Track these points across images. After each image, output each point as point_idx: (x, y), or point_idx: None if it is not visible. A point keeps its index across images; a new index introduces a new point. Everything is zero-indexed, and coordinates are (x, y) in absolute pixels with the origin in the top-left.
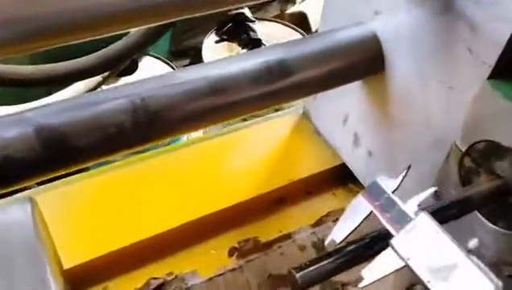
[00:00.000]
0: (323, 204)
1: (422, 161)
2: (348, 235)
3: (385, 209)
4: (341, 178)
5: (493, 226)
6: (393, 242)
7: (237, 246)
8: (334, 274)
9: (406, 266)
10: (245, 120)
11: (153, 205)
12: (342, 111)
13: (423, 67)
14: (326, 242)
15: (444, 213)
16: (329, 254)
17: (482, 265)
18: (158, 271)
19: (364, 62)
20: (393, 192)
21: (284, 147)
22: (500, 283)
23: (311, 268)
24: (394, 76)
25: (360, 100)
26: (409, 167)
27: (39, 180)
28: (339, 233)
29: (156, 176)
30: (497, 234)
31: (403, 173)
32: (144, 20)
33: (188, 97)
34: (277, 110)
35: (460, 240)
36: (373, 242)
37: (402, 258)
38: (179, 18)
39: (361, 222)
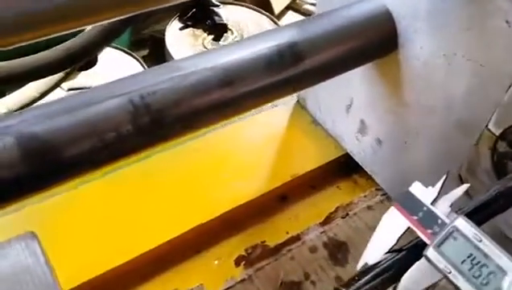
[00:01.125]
0: (329, 199)
1: (441, 148)
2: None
3: (425, 224)
4: (345, 170)
5: None
6: (428, 253)
7: (244, 253)
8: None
9: (446, 279)
10: None
11: (148, 216)
12: (345, 97)
13: (446, 43)
14: (358, 266)
15: (484, 211)
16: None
17: None
18: (161, 288)
19: (378, 41)
20: (432, 204)
21: (281, 141)
22: None
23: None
24: (409, 55)
25: (367, 83)
26: (447, 173)
27: (23, 200)
28: (373, 254)
29: (149, 180)
30: None
31: (442, 181)
32: (119, 10)
33: (196, 91)
34: None
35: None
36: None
37: (440, 271)
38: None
39: (398, 241)
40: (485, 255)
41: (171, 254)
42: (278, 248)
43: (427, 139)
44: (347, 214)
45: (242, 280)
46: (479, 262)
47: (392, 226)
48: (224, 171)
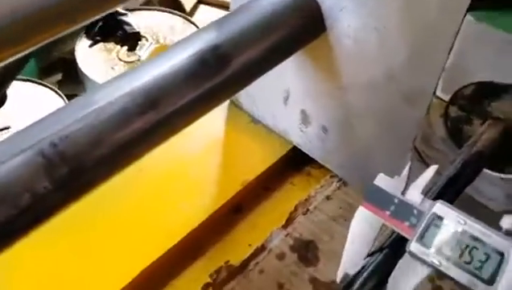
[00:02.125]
0: (285, 198)
1: (391, 123)
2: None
3: (400, 217)
4: (296, 164)
5: (502, 175)
6: (412, 248)
7: (209, 280)
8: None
9: (437, 272)
10: None
11: (98, 260)
12: (281, 90)
13: (374, 17)
14: (338, 277)
15: (454, 186)
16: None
17: None
18: None
19: (304, 26)
20: (402, 194)
21: (223, 148)
22: None
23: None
24: (338, 35)
25: (301, 71)
26: (411, 159)
27: None
28: (352, 263)
29: (95, 216)
30: (508, 182)
31: (407, 167)
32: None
33: (116, 125)
34: None
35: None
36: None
37: (428, 264)
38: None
39: (374, 242)
40: (473, 237)
41: None
42: (243, 265)
43: (374, 117)
44: (307, 210)
45: None
46: (467, 246)
47: (365, 228)
48: (170, 192)
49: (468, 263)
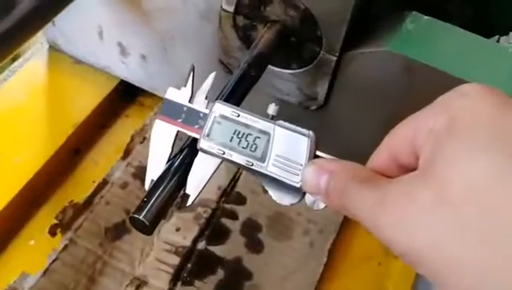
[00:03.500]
0: (122, 132)
1: (196, 41)
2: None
3: (190, 122)
4: (127, 96)
5: (290, 71)
6: (201, 144)
7: (56, 221)
8: (175, 195)
9: (224, 160)
10: None
11: None
12: (93, 26)
13: None
14: (146, 185)
15: (241, 87)
16: (158, 184)
17: (290, 124)
18: None
19: None
20: (190, 101)
21: (50, 94)
22: (311, 133)
23: (151, 202)
24: None
25: (104, 4)
26: (193, 68)
27: None
28: (155, 169)
29: None
30: (296, 76)
31: (190, 76)
32: None
33: None
34: (14, 60)
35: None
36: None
37: (217, 155)
38: None
39: (173, 148)
40: (246, 126)
41: None
42: (89, 201)
43: (182, 38)
44: (144, 138)
45: (65, 247)
46: (243, 134)
47: (163, 138)
48: (1, 145)
49: (245, 147)
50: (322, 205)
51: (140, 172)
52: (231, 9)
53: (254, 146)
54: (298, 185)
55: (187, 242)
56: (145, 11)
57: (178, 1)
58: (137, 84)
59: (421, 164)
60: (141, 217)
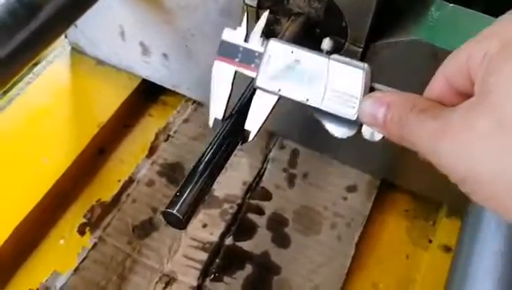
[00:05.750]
0: (146, 130)
1: (220, 37)
2: (227, 105)
3: (247, 61)
4: (150, 96)
5: None
6: (258, 82)
7: (85, 220)
8: (207, 189)
9: (281, 98)
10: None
11: None
12: (115, 26)
13: None
14: (211, 124)
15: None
16: (190, 178)
17: (344, 58)
18: None
19: None
20: (245, 41)
21: (75, 95)
22: (366, 66)
23: (184, 196)
24: None
25: (125, 4)
26: (247, 9)
27: None
28: (218, 109)
29: None
30: None
31: (245, 18)
32: None
33: None
34: (37, 63)
35: None
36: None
37: (273, 92)
38: None
39: (232, 86)
40: (301, 62)
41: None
42: (116, 199)
43: (203, 35)
44: (168, 136)
45: (94, 245)
46: (298, 70)
47: (222, 77)
48: (27, 148)
49: (301, 83)
50: (379, 136)
51: (166, 170)
52: (254, 3)
53: (310, 81)
54: (354, 118)
55: (215, 238)
56: (166, 10)
57: None
58: (159, 82)
59: (476, 90)
60: (174, 212)
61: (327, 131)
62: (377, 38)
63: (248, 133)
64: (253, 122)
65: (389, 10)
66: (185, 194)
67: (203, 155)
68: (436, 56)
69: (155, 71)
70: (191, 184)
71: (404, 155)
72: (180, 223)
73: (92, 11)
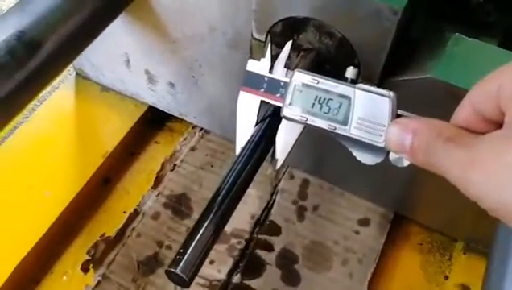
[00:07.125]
0: (152, 158)
1: (225, 69)
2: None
3: (272, 91)
4: (156, 123)
5: None
6: (284, 112)
7: (88, 257)
8: (212, 244)
9: (307, 126)
10: None
11: None
12: (120, 54)
13: None
14: (237, 151)
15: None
16: (194, 232)
17: (369, 86)
18: None
19: None
20: (270, 72)
21: (79, 123)
22: (392, 93)
23: (188, 252)
24: None
25: (131, 34)
26: (271, 39)
27: None
28: (243, 138)
29: None
30: None
31: (268, 46)
32: None
33: None
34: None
35: None
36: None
37: (300, 122)
38: None
39: (258, 117)
40: (326, 91)
41: None
42: (120, 233)
43: (210, 66)
44: (174, 165)
45: (98, 283)
46: (324, 99)
47: (247, 108)
48: (31, 179)
49: (327, 112)
50: (406, 163)
51: (171, 202)
52: (262, 38)
53: (336, 110)
54: (381, 145)
55: (222, 276)
56: (172, 40)
57: (206, 29)
58: (166, 110)
59: (507, 121)
60: (177, 271)
61: (337, 161)
62: (391, 74)
63: (275, 161)
64: (281, 151)
65: (404, 44)
66: (188, 251)
67: (211, 199)
68: (454, 94)
69: (161, 99)
70: (194, 239)
71: (418, 187)
72: (184, 282)
73: (97, 38)
